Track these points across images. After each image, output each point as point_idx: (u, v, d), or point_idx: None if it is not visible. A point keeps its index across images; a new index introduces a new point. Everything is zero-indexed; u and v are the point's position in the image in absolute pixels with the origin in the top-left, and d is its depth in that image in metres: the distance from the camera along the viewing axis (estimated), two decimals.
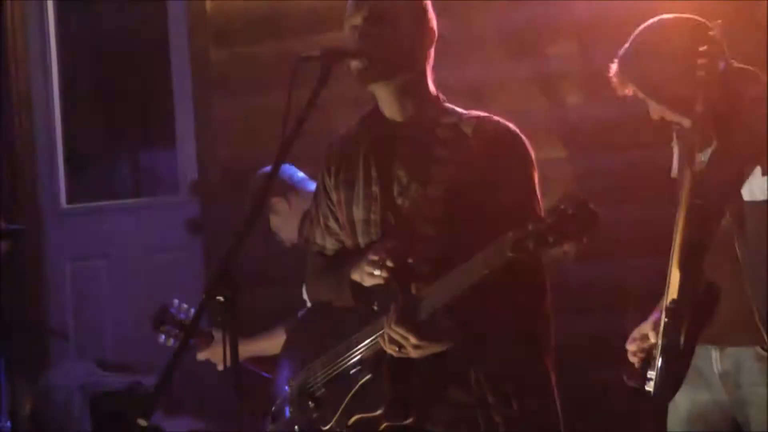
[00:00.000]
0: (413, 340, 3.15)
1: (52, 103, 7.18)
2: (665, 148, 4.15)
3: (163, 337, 4.76)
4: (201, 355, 4.66)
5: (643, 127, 4.26)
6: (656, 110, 3.86)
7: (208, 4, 6.56)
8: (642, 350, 3.82)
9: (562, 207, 2.87)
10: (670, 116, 3.85)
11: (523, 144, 3.48)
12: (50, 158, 7.17)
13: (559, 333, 4.54)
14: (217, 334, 4.50)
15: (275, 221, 4.96)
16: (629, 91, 3.85)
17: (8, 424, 5.45)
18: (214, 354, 4.48)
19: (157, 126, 6.98)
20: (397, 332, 3.16)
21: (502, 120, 3.48)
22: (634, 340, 3.86)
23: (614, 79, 3.86)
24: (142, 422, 4.96)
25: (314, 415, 3.46)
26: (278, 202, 4.88)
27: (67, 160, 7.19)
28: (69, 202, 7.18)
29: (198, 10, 6.57)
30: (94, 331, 6.88)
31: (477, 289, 3.09)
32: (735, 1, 5.26)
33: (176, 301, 4.74)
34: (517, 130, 3.47)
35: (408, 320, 3.16)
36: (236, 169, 6.27)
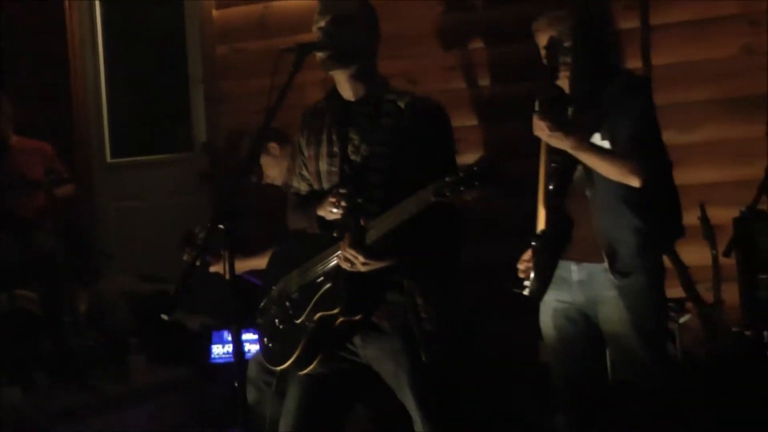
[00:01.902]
0: (361, 259, 3.20)
1: (99, 81, 7.14)
2: None
3: (185, 255, 4.72)
4: (212, 268, 4.63)
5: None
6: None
7: (214, 11, 6.52)
8: (528, 268, 3.81)
9: (473, 166, 2.91)
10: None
11: (445, 115, 3.50)
12: (98, 124, 7.14)
13: (482, 255, 4.57)
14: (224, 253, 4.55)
15: (267, 161, 4.89)
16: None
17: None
18: (221, 267, 4.47)
19: (176, 100, 6.91)
20: (350, 253, 3.21)
21: (429, 97, 3.52)
22: (523, 261, 3.85)
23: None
24: (164, 317, 5.02)
25: (290, 312, 3.46)
26: (273, 147, 4.82)
27: (111, 126, 7.14)
28: (112, 157, 7.15)
29: (206, 15, 6.54)
30: (132, 252, 6.83)
31: (410, 223, 3.11)
32: None
33: (198, 228, 4.70)
34: (440, 105, 3.50)
35: (358, 244, 3.21)
36: (235, 132, 6.25)
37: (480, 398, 4.98)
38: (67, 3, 6.98)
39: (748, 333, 4.73)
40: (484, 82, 5.89)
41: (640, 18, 5.36)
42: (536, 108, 3.66)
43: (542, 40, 3.77)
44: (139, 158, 7.08)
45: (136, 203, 6.99)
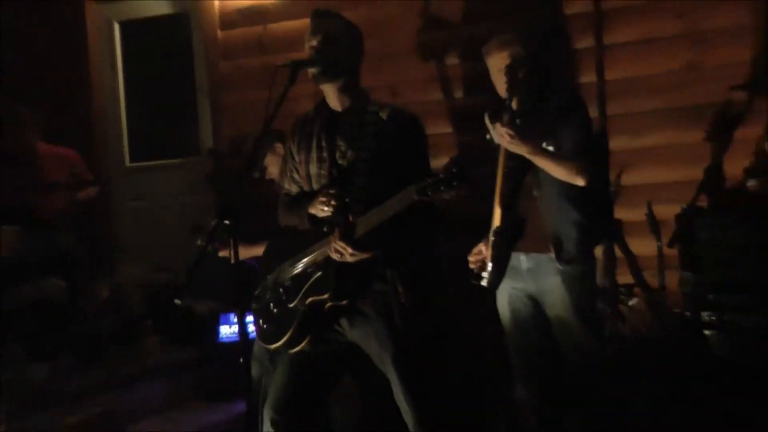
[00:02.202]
0: (350, 250, 3.31)
1: (118, 95, 7.17)
2: None
3: (198, 240, 4.68)
4: (221, 253, 4.57)
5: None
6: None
7: (219, 32, 6.55)
8: (477, 261, 4.00)
9: (451, 167, 3.08)
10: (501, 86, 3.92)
11: (421, 125, 3.61)
12: (118, 133, 7.18)
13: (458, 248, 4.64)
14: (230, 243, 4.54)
15: (272, 159, 4.80)
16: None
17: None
18: (227, 253, 4.36)
19: (185, 110, 6.92)
20: (339, 245, 3.32)
21: (406, 109, 3.63)
22: (473, 254, 4.03)
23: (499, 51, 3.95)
24: (177, 301, 5.14)
25: (283, 298, 3.52)
26: (279, 147, 4.69)
27: (129, 134, 7.19)
28: (130, 161, 7.18)
29: (212, 35, 6.60)
30: (147, 246, 6.85)
31: (393, 220, 3.25)
32: None
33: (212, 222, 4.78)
34: (416, 115, 3.60)
35: (346, 238, 3.31)
36: (236, 139, 6.35)
37: (453, 376, 5.00)
38: (89, 25, 6.95)
39: (687, 314, 4.81)
40: (458, 94, 5.87)
41: (595, 38, 5.38)
42: (486, 119, 3.84)
43: (494, 61, 3.93)
44: (152, 162, 7.07)
45: (149, 203, 6.99)
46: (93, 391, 4.72)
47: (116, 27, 7.17)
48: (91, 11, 7.05)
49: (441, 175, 3.08)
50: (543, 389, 4.04)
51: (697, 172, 4.83)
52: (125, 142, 7.22)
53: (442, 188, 3.07)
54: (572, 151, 3.78)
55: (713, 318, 4.71)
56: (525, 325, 4.03)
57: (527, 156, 3.74)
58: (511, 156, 3.82)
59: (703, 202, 4.83)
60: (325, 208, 3.41)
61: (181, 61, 6.93)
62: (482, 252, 4.00)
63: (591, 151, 3.86)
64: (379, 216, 3.28)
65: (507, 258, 3.91)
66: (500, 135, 3.73)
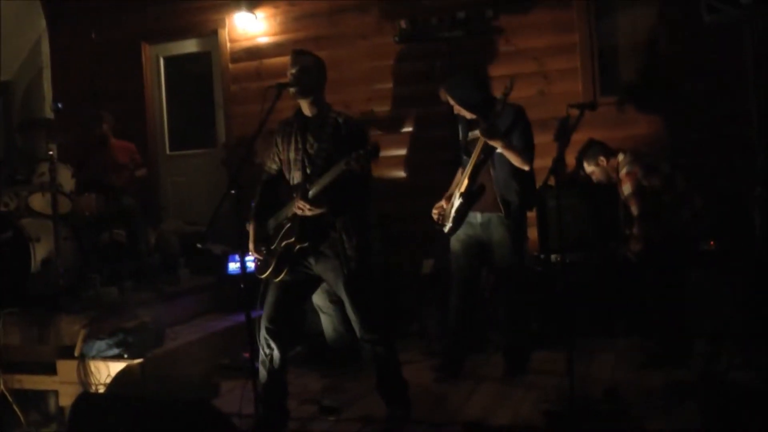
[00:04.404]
0: (307, 206, 3.21)
1: (162, 106, 6.92)
2: (454, 128, 4.23)
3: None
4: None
5: (423, 118, 4.29)
6: (457, 109, 3.96)
7: (230, 65, 6.42)
8: (439, 214, 4.03)
9: (367, 147, 3.07)
10: (464, 113, 3.96)
11: (364, 128, 3.50)
12: (161, 131, 6.93)
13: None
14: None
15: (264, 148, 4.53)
16: (446, 98, 3.95)
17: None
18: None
19: (207, 116, 6.75)
20: (299, 203, 3.22)
21: (355, 117, 3.61)
22: (436, 207, 4.05)
23: (442, 95, 3.98)
24: (199, 246, 5.01)
25: (268, 242, 3.39)
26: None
27: (169, 133, 6.96)
28: (170, 151, 6.97)
29: (225, 67, 6.44)
30: (181, 206, 6.71)
31: (336, 184, 3.16)
32: None
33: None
34: (361, 121, 3.49)
35: (304, 197, 3.22)
36: (241, 137, 6.26)
37: (386, 296, 5.03)
38: (144, 59, 6.80)
39: (542, 256, 4.88)
40: (386, 107, 5.87)
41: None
42: (481, 125, 3.82)
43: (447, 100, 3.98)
44: (185, 151, 6.90)
45: (183, 178, 6.82)
46: (146, 305, 4.63)
47: (161, 60, 6.94)
48: (146, 49, 6.87)
49: (360, 152, 3.03)
50: (468, 297, 4.08)
51: (547, 162, 4.61)
52: (166, 139, 6.97)
53: (361, 160, 3.02)
54: (522, 147, 3.82)
55: (557, 258, 4.77)
56: (470, 249, 4.02)
57: (499, 147, 3.78)
58: (484, 149, 3.83)
59: (552, 183, 4.69)
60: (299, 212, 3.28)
61: (205, 84, 6.75)
62: (443, 207, 4.03)
63: (533, 148, 3.91)
64: (325, 179, 3.18)
65: (466, 214, 3.93)
66: (483, 131, 3.75)
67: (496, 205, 3.88)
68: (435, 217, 4.03)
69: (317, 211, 3.24)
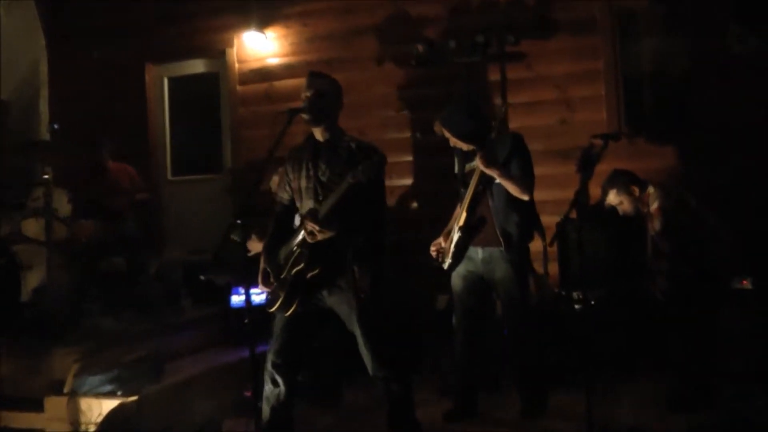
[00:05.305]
0: (317, 228, 3.19)
1: (165, 129, 7.02)
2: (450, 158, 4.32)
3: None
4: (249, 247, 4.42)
5: (440, 146, 4.34)
6: (453, 141, 3.99)
7: (238, 86, 6.50)
8: (437, 251, 4.03)
9: (371, 161, 3.09)
10: (460, 144, 3.98)
11: (379, 153, 3.37)
12: (163, 156, 7.02)
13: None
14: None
15: (275, 179, 4.60)
16: (441, 131, 4.01)
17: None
18: (253, 246, 4.45)
19: (212, 141, 6.82)
20: (310, 225, 3.21)
21: (371, 143, 3.46)
22: (434, 244, 4.05)
23: (437, 128, 4.03)
24: (201, 277, 5.03)
25: (277, 272, 3.37)
26: (281, 171, 4.64)
27: (172, 158, 7.04)
28: (172, 176, 7.04)
29: (233, 88, 6.53)
30: (185, 234, 6.74)
31: (347, 204, 3.16)
32: None
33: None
34: (376, 146, 3.40)
35: (313, 219, 3.21)
36: (250, 163, 6.31)
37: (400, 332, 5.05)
38: (147, 80, 6.89)
39: (563, 293, 4.88)
40: (407, 133, 5.94)
41: (501, 98, 5.50)
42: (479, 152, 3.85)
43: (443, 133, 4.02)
44: (188, 177, 6.95)
45: (186, 205, 6.84)
46: (143, 338, 4.61)
47: (165, 80, 7.01)
48: (150, 70, 6.95)
49: (367, 162, 3.07)
50: (474, 337, 4.09)
51: (569, 194, 4.60)
52: (168, 163, 7.04)
53: (368, 171, 3.04)
54: (521, 176, 3.81)
55: (579, 296, 4.76)
56: (472, 285, 4.03)
57: (497, 177, 3.79)
58: (482, 179, 3.85)
59: (572, 214, 4.72)
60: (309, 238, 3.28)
61: (211, 107, 6.82)
62: (441, 244, 4.02)
63: (532, 177, 3.91)
64: (332, 198, 3.18)
65: (466, 248, 3.92)
66: (480, 160, 3.76)
67: (496, 238, 3.89)
68: (433, 254, 4.04)
69: (328, 234, 3.23)
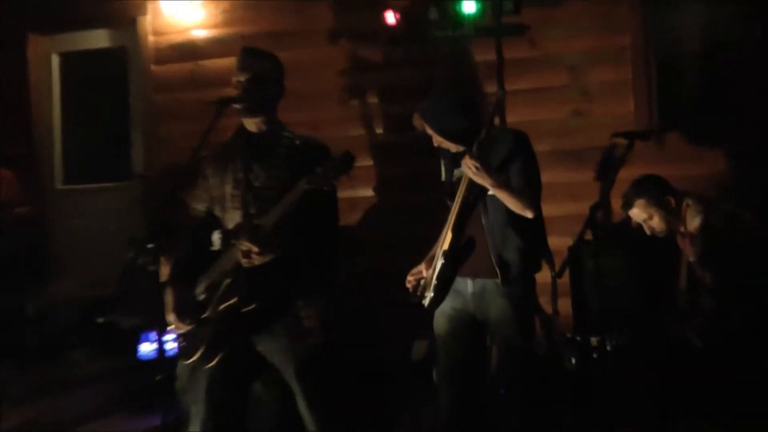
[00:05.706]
0: (255, 248, 3.17)
1: (54, 124, 7.02)
2: (435, 161, 4.32)
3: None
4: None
5: (420, 147, 4.34)
6: (438, 140, 3.88)
7: (153, 66, 6.51)
8: (416, 280, 3.94)
9: (335, 158, 3.07)
10: (447, 144, 3.88)
11: (328, 150, 3.43)
12: (51, 158, 7.00)
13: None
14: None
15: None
16: (422, 127, 3.87)
17: None
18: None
19: (119, 138, 6.79)
20: (245, 245, 3.17)
21: (319, 138, 3.52)
22: (412, 273, 3.95)
23: (416, 122, 3.88)
24: (99, 320, 4.97)
25: (196, 310, 3.35)
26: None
27: (63, 160, 7.02)
28: (63, 184, 7.01)
29: (146, 69, 6.54)
30: (79, 261, 6.62)
31: (292, 221, 3.17)
32: None
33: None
34: (327, 145, 3.45)
35: (251, 238, 3.17)
36: (168, 167, 6.25)
37: (359, 387, 4.90)
38: (29, 55, 6.85)
39: (578, 338, 4.83)
40: (379, 130, 5.94)
41: (497, 84, 5.39)
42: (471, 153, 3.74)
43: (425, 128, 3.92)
44: (85, 185, 6.91)
45: (82, 222, 6.76)
46: (12, 403, 4.55)
47: (56, 58, 6.98)
48: (34, 43, 6.91)
49: (327, 167, 3.05)
50: (465, 390, 3.96)
51: (583, 208, 4.73)
52: (59, 167, 7.01)
53: (330, 175, 3.04)
54: (523, 186, 3.72)
55: (600, 342, 4.73)
56: (461, 330, 3.92)
57: (490, 187, 3.67)
58: (470, 189, 3.75)
59: (588, 236, 4.71)
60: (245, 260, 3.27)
61: (117, 92, 6.78)
62: (422, 273, 3.95)
63: (538, 186, 3.82)
64: (281, 208, 3.18)
65: (452, 280, 3.84)
66: (467, 166, 3.63)
67: (491, 267, 3.80)
68: (410, 286, 3.99)
69: (268, 258, 3.23)
